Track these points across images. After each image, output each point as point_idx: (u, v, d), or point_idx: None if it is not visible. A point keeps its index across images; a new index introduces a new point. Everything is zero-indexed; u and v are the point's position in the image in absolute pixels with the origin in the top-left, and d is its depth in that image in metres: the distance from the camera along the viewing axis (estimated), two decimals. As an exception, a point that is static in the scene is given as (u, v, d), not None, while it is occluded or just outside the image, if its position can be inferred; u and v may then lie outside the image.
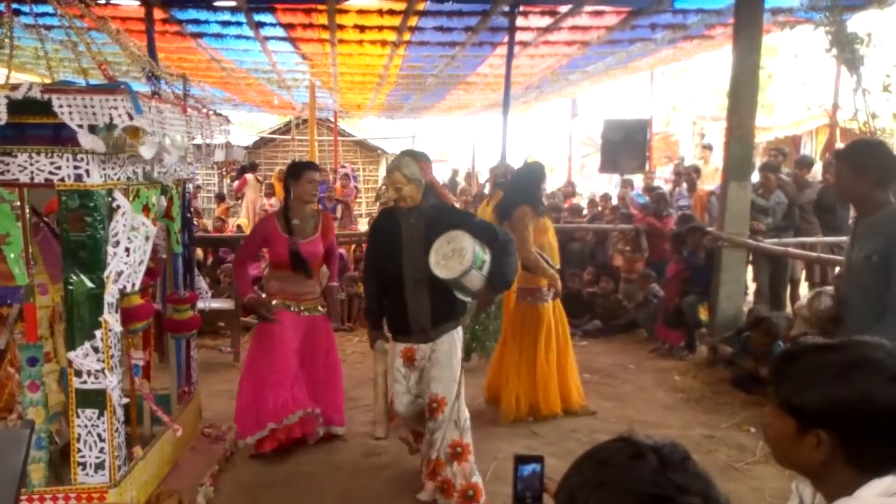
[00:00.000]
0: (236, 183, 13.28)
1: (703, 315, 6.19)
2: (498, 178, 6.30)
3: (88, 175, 2.73)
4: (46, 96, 2.56)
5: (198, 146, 3.69)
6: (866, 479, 1.18)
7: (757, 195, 6.67)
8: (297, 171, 4.12)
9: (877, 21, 7.15)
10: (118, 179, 2.89)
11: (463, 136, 21.22)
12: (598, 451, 0.92)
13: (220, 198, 13.69)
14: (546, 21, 7.41)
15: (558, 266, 4.75)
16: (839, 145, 8.14)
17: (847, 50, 6.31)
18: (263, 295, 4.30)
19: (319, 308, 4.29)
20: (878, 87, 6.36)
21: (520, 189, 4.77)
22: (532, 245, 4.51)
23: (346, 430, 4.42)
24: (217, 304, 6.16)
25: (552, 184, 16.61)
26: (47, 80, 3.08)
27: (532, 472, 1.38)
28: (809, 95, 14.20)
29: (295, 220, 4.13)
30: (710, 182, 9.53)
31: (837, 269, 5.20)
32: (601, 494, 0.86)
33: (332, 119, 17.20)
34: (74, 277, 2.78)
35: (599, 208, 9.92)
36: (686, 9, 7.03)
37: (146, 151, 2.68)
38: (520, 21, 7.31)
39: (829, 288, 5.02)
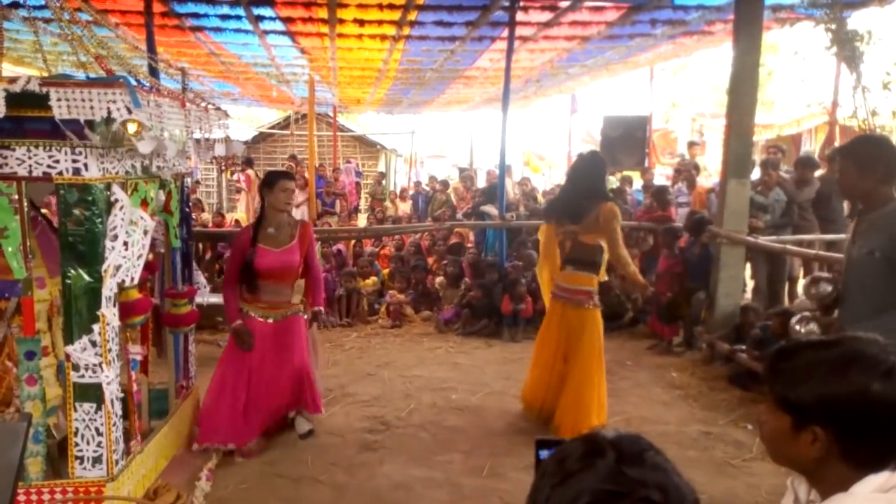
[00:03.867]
0: (237, 176, 13.21)
1: (704, 312, 6.20)
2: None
3: (87, 169, 2.73)
4: (44, 89, 2.56)
5: (197, 141, 3.69)
6: (862, 475, 1.19)
7: (756, 192, 6.68)
8: (270, 181, 4.05)
9: (877, 18, 7.14)
10: (116, 173, 2.88)
11: (462, 131, 21.20)
12: (560, 450, 0.92)
13: (220, 215, 13.06)
14: (546, 16, 7.40)
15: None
16: (838, 143, 8.14)
17: (847, 47, 6.31)
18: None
19: (293, 312, 4.17)
20: (878, 84, 6.36)
21: (590, 183, 4.31)
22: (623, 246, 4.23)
23: (316, 423, 4.35)
24: (215, 299, 6.14)
25: (550, 180, 16.63)
26: (46, 74, 3.08)
27: None
28: (809, 93, 14.20)
29: (270, 228, 4.05)
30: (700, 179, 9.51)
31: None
32: (560, 492, 0.86)
33: (332, 114, 17.18)
34: (72, 271, 2.78)
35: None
36: (686, 5, 7.03)
37: (144, 146, 2.68)
38: (520, 16, 7.30)
39: (826, 273, 5.03)
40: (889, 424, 1.17)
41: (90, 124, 2.63)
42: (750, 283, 7.19)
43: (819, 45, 6.78)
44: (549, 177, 18.18)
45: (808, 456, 1.23)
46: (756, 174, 7.03)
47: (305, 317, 4.27)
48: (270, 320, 4.10)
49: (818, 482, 1.26)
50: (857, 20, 6.64)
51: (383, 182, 16.54)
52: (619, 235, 4.22)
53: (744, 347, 5.42)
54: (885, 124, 6.52)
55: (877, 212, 2.79)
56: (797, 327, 4.62)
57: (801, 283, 7.42)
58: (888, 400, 1.16)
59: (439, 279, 8.04)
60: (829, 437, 1.19)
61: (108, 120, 2.62)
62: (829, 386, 1.19)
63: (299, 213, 11.19)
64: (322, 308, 4.42)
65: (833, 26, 6.33)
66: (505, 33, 7.69)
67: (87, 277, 2.79)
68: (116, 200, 2.84)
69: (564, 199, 4.47)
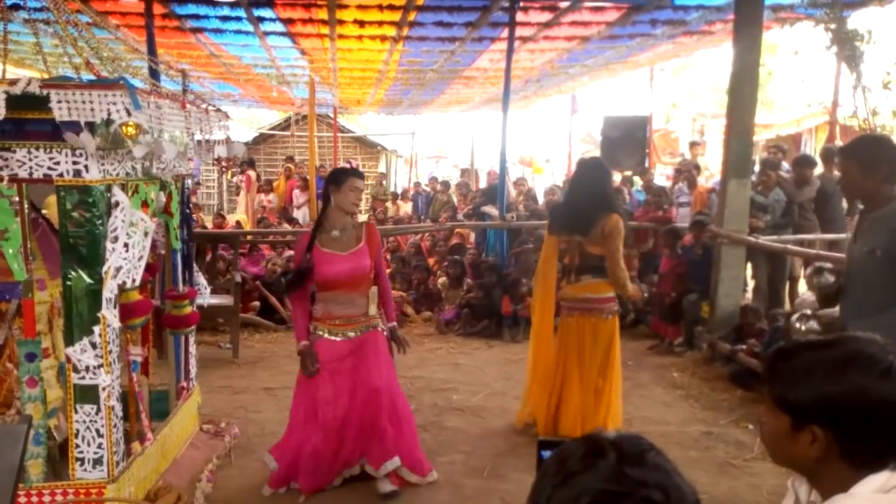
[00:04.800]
0: (236, 178, 13.22)
1: (704, 311, 6.20)
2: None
3: (87, 171, 2.73)
4: (45, 91, 2.56)
5: (199, 142, 3.69)
6: (862, 475, 1.19)
7: (756, 192, 6.67)
8: (338, 179, 3.58)
9: (877, 18, 7.14)
10: (117, 175, 2.88)
11: (462, 132, 21.20)
12: (561, 451, 0.92)
13: (220, 216, 12.93)
14: (546, 16, 7.40)
15: None
16: (839, 142, 8.13)
17: (847, 47, 6.32)
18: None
19: (372, 326, 3.67)
20: (878, 84, 6.36)
21: (593, 192, 4.10)
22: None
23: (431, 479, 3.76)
24: (216, 301, 6.16)
25: (550, 181, 16.62)
26: (47, 76, 3.08)
27: None
28: (809, 92, 14.18)
29: (334, 231, 3.59)
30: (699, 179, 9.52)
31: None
32: (561, 493, 0.86)
33: (332, 115, 17.18)
34: (73, 273, 2.78)
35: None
36: (686, 5, 7.03)
37: (138, 151, 2.68)
38: (520, 16, 7.30)
39: (829, 264, 5.02)
40: (888, 424, 1.17)
41: (90, 126, 2.63)
42: (751, 284, 7.19)
43: (819, 44, 6.80)
44: (552, 177, 18.15)
45: (808, 456, 1.22)
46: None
47: (385, 333, 3.76)
48: (339, 338, 3.58)
49: (818, 483, 1.26)
50: (856, 20, 6.64)
51: (384, 183, 16.53)
52: (619, 254, 4.05)
53: (744, 347, 5.42)
54: (885, 124, 6.52)
55: (879, 211, 2.79)
56: (797, 325, 4.62)
57: (801, 284, 7.43)
58: (887, 399, 1.16)
59: (441, 280, 8.04)
60: (829, 437, 1.19)
61: (108, 122, 2.63)
62: (828, 386, 1.18)
63: (301, 215, 11.20)
64: (396, 325, 3.86)
65: (833, 26, 6.34)
66: (505, 34, 7.70)
67: (87, 279, 2.79)
68: (117, 202, 2.84)
69: (568, 210, 4.24)
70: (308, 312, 3.63)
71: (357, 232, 3.67)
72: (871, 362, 1.18)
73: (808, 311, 4.65)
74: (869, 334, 1.25)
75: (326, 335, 3.59)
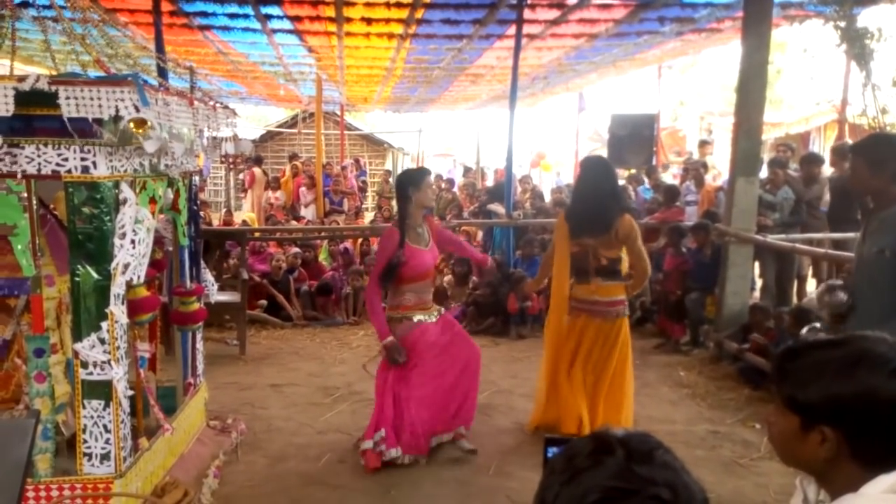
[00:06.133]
0: (242, 176, 13.24)
1: (710, 310, 6.19)
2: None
3: (95, 167, 2.74)
4: (53, 88, 2.57)
5: (207, 139, 3.69)
6: (872, 475, 1.18)
7: (764, 191, 6.64)
8: (417, 178, 3.95)
9: (887, 16, 7.09)
10: (125, 171, 2.89)
11: (469, 130, 21.15)
12: (569, 448, 0.92)
13: (229, 213, 12.16)
14: (554, 13, 7.39)
15: None
16: (848, 141, 8.07)
17: (857, 45, 6.26)
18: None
19: (439, 309, 4.13)
20: (887, 82, 6.31)
21: (600, 193, 4.07)
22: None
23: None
24: (223, 297, 6.17)
25: (556, 179, 16.59)
26: (55, 73, 3.09)
27: None
28: (818, 91, 14.09)
29: (418, 228, 3.94)
30: (707, 178, 9.49)
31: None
32: (569, 490, 0.86)
33: (339, 113, 17.20)
34: (81, 269, 2.79)
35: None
36: (694, 2, 7.00)
37: (150, 145, 2.68)
38: (527, 13, 7.29)
39: (840, 281, 4.98)
40: None
41: (99, 122, 2.64)
42: (758, 282, 7.16)
43: (828, 42, 6.73)
44: (558, 175, 18.10)
45: (818, 456, 1.22)
46: (765, 172, 6.99)
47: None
48: (434, 319, 3.99)
49: (828, 483, 1.25)
50: (866, 17, 6.59)
51: (390, 180, 16.54)
52: (643, 250, 4.09)
53: (748, 345, 5.40)
54: (894, 122, 6.46)
55: (887, 210, 2.78)
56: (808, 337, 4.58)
57: (810, 283, 7.40)
58: None
59: (447, 278, 8.04)
60: (839, 437, 1.18)
61: (117, 118, 2.63)
62: (837, 385, 1.18)
63: (310, 213, 11.21)
64: (489, 264, 4.62)
65: (842, 23, 6.28)
66: (512, 31, 7.68)
67: (95, 275, 2.80)
68: (125, 199, 2.85)
69: (585, 212, 4.12)
70: (383, 308, 3.98)
71: (427, 227, 4.04)
72: (881, 361, 1.17)
73: (818, 325, 4.61)
74: (878, 333, 1.24)
75: (425, 319, 3.96)
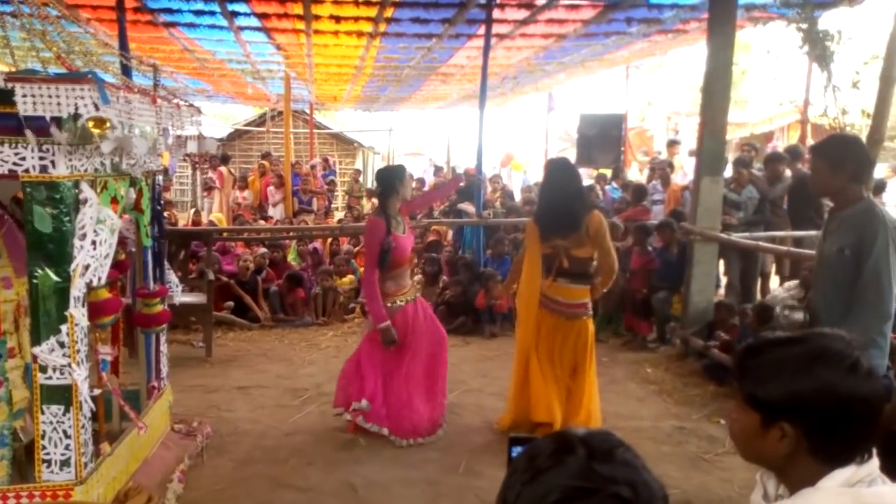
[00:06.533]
0: (209, 175, 13.01)
1: (677, 308, 6.27)
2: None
3: (54, 166, 2.68)
4: (10, 85, 2.50)
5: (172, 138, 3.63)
6: (829, 469, 1.20)
7: (729, 190, 6.75)
8: (401, 173, 4.46)
9: (847, 18, 7.26)
10: (85, 171, 2.83)
11: (439, 129, 21.16)
12: (531, 448, 0.92)
13: (197, 213, 12.24)
14: (523, 13, 7.41)
15: None
16: (810, 141, 8.26)
17: (818, 47, 6.40)
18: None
19: (416, 293, 4.56)
20: (847, 83, 6.46)
21: (566, 193, 4.12)
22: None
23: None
24: (188, 299, 6.08)
25: (523, 178, 16.65)
26: (14, 70, 3.01)
27: None
28: (782, 91, 14.38)
29: (398, 217, 4.31)
30: (675, 177, 9.63)
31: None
32: (531, 489, 0.86)
33: (308, 111, 17.05)
34: (40, 271, 2.73)
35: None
36: (661, 3, 7.08)
37: (106, 146, 2.63)
38: (496, 13, 7.31)
39: (795, 301, 5.11)
40: (855, 419, 1.19)
41: (58, 121, 2.57)
42: (723, 280, 7.28)
43: (791, 44, 6.87)
44: (525, 175, 18.18)
45: (777, 452, 1.24)
46: (729, 172, 7.11)
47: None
48: (412, 302, 4.35)
49: (786, 478, 1.28)
50: (827, 20, 6.74)
51: (360, 179, 16.45)
52: (612, 247, 4.16)
53: (717, 343, 5.49)
54: (854, 123, 6.62)
55: (847, 210, 2.84)
56: (783, 313, 4.68)
57: (773, 279, 7.55)
58: (854, 395, 1.18)
59: (417, 277, 8.03)
60: (798, 432, 1.20)
61: (76, 116, 2.57)
62: (796, 382, 1.19)
63: (278, 213, 11.10)
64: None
65: (804, 26, 6.42)
66: (482, 31, 7.69)
67: (54, 277, 2.74)
68: (85, 199, 2.79)
69: (554, 213, 4.16)
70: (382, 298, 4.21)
71: (401, 216, 4.37)
72: (838, 358, 1.19)
73: (793, 302, 4.73)
74: (836, 331, 1.27)
75: (406, 302, 4.29)
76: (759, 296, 7.00)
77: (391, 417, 4.19)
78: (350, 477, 3.77)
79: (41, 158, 2.66)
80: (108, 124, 2.57)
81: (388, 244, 4.11)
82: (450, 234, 9.58)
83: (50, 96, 2.52)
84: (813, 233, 5.63)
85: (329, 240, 9.05)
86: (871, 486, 1.19)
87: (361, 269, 8.23)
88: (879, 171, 9.32)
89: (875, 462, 1.22)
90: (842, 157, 2.83)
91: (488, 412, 4.72)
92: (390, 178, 4.36)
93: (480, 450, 4.14)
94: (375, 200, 5.04)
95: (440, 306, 7.20)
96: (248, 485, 3.69)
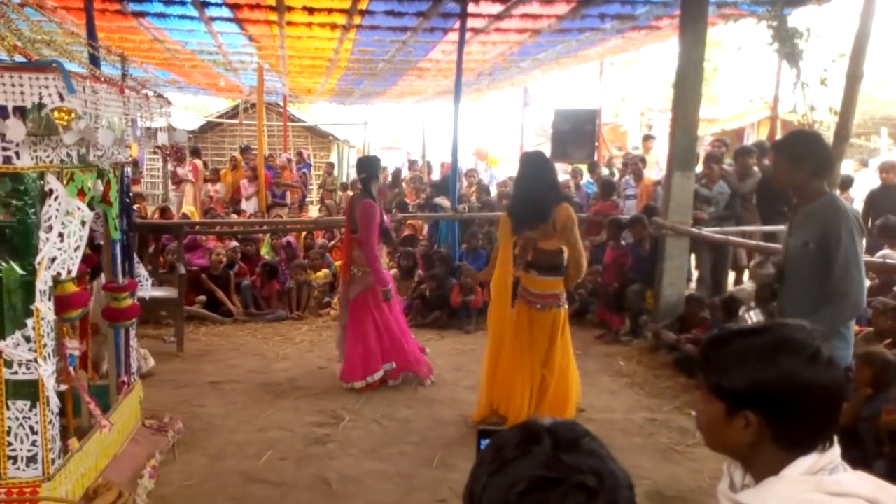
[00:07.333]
0: (186, 167, 12.76)
1: (650, 302, 6.34)
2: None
3: (18, 157, 2.62)
4: (-29, 74, 2.44)
5: (141, 129, 3.57)
6: (792, 457, 1.22)
7: (700, 185, 6.83)
8: (379, 163, 5.63)
9: (815, 17, 7.37)
10: (51, 162, 2.77)
11: (415, 123, 21.09)
12: (497, 439, 0.93)
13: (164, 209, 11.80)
14: (497, 8, 7.41)
15: None
16: (779, 137, 8.37)
17: (787, 44, 6.51)
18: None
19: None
20: (816, 80, 6.57)
21: (538, 187, 4.13)
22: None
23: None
24: (159, 293, 6.00)
25: (503, 173, 16.70)
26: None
27: None
28: (752, 88, 14.56)
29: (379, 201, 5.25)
30: (650, 172, 9.73)
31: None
32: (497, 480, 0.87)
33: (282, 104, 16.90)
34: (4, 264, 2.67)
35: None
36: (634, 0, 7.13)
37: (69, 137, 2.58)
38: (471, 7, 7.29)
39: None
40: (816, 407, 1.21)
41: (21, 111, 2.52)
42: (694, 274, 7.37)
43: (761, 41, 6.97)
44: (498, 170, 18.22)
45: (742, 441, 1.26)
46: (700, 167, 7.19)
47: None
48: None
49: (752, 466, 1.30)
50: (797, 18, 6.85)
51: (333, 173, 16.34)
52: (579, 241, 4.17)
53: (689, 335, 5.56)
54: (822, 119, 6.73)
55: (810, 205, 2.90)
56: (745, 315, 4.75)
57: (747, 273, 7.65)
58: (815, 383, 1.20)
59: (393, 271, 8.00)
60: (761, 421, 1.23)
61: (41, 106, 2.52)
62: (759, 371, 1.22)
63: (251, 206, 10.97)
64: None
65: (774, 23, 6.51)
66: (456, 25, 7.68)
67: (19, 270, 2.68)
68: (51, 190, 2.74)
69: (524, 206, 4.20)
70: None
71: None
72: (800, 348, 1.21)
73: (752, 304, 4.80)
74: (797, 321, 1.29)
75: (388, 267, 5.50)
76: (732, 289, 7.10)
77: (411, 362, 5.14)
78: (324, 471, 3.76)
79: (4, 149, 2.61)
80: (73, 115, 2.52)
81: (385, 224, 5.05)
82: (425, 228, 9.56)
83: (13, 85, 2.48)
84: (782, 227, 5.72)
85: (303, 234, 8.98)
86: (833, 473, 1.21)
87: (337, 264, 8.22)
88: (846, 166, 9.49)
89: (837, 450, 1.24)
90: (802, 154, 2.88)
91: (463, 406, 4.73)
92: (375, 166, 5.25)
93: (455, 443, 4.15)
94: (359, 185, 5.42)
95: (416, 300, 7.20)
96: (220, 480, 3.66)
